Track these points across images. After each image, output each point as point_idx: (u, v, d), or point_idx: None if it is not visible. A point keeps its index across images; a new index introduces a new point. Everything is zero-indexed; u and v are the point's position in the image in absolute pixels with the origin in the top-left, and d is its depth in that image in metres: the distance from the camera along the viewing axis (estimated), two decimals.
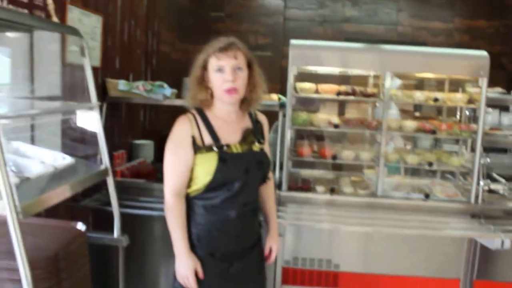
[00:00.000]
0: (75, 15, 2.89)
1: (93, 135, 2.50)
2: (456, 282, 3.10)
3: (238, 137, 1.93)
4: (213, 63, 1.84)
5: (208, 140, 1.86)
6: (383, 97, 3.11)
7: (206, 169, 1.82)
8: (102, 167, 2.27)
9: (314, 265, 3.15)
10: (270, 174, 2.07)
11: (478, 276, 3.08)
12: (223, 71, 1.83)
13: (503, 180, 3.43)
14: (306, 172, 3.63)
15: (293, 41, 3.11)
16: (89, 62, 2.21)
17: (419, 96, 3.17)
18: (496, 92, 3.53)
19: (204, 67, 1.88)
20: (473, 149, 3.43)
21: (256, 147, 1.96)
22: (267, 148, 2.04)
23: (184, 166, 1.85)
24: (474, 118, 3.55)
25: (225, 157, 1.83)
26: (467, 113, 3.62)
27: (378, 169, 3.17)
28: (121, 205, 2.46)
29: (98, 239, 2.35)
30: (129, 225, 2.62)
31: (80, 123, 2.67)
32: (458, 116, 3.77)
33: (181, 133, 1.86)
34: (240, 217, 1.89)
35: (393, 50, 3.33)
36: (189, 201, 1.90)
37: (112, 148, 2.87)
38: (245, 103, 1.96)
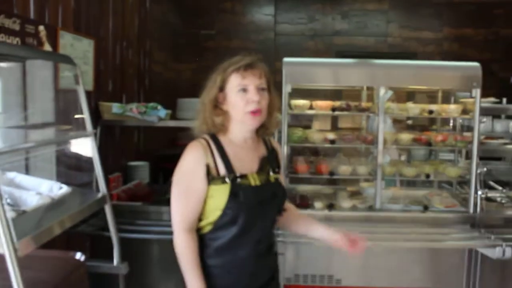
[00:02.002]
0: (67, 41, 2.88)
1: (88, 161, 2.48)
2: None
3: (256, 166, 1.74)
4: (235, 82, 1.66)
5: (223, 170, 1.68)
6: (378, 111, 3.12)
7: (216, 203, 1.65)
8: (100, 195, 2.25)
9: (315, 281, 3.13)
10: (287, 205, 1.90)
11: (480, 286, 3.07)
12: (247, 91, 1.65)
13: (500, 188, 3.45)
14: (303, 188, 3.62)
15: (286, 59, 3.12)
16: (83, 89, 2.20)
17: (414, 108, 3.18)
18: (489, 102, 3.56)
19: (221, 88, 1.70)
20: (467, 157, 3.46)
21: (272, 177, 1.77)
22: (282, 177, 1.86)
23: (197, 199, 1.66)
24: (468, 127, 3.57)
25: (237, 191, 1.65)
26: (460, 120, 3.64)
27: (376, 183, 3.17)
28: (118, 229, 2.43)
29: (98, 268, 2.32)
30: (127, 249, 2.58)
31: (75, 150, 2.65)
32: (451, 125, 3.79)
33: (194, 161, 1.67)
34: (253, 256, 1.71)
35: (385, 65, 3.34)
36: (199, 240, 1.71)
37: (107, 171, 2.85)
38: (262, 128, 1.77)
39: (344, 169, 3.23)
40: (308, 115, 3.36)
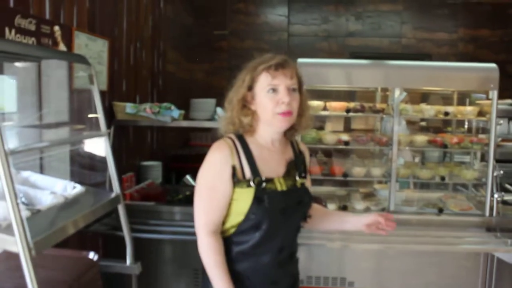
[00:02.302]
0: (82, 41, 2.89)
1: (102, 161, 2.49)
2: None
3: (282, 169, 1.67)
4: (265, 82, 1.59)
5: (248, 172, 1.61)
6: (392, 112, 3.09)
7: (240, 207, 1.59)
8: (113, 194, 2.25)
9: (328, 283, 3.10)
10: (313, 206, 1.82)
11: None
12: (277, 92, 1.58)
13: None
14: (316, 189, 3.60)
15: (301, 60, 3.09)
16: (97, 89, 2.20)
17: (429, 110, 3.15)
18: (506, 104, 3.50)
19: (250, 87, 1.62)
20: (483, 159, 3.40)
21: (298, 182, 1.70)
22: (308, 182, 1.78)
23: (222, 201, 1.60)
24: (483, 129, 3.52)
25: (261, 196, 1.58)
26: (475, 122, 3.59)
27: (390, 185, 3.13)
28: (131, 229, 2.44)
29: (111, 268, 2.32)
30: (139, 249, 2.59)
31: (88, 150, 2.66)
32: (465, 126, 3.74)
33: (220, 162, 1.59)
34: (275, 263, 1.65)
35: (400, 66, 3.30)
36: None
37: (120, 170, 2.86)
38: (291, 130, 1.70)
39: (358, 171, 3.20)
40: (321, 116, 3.34)
